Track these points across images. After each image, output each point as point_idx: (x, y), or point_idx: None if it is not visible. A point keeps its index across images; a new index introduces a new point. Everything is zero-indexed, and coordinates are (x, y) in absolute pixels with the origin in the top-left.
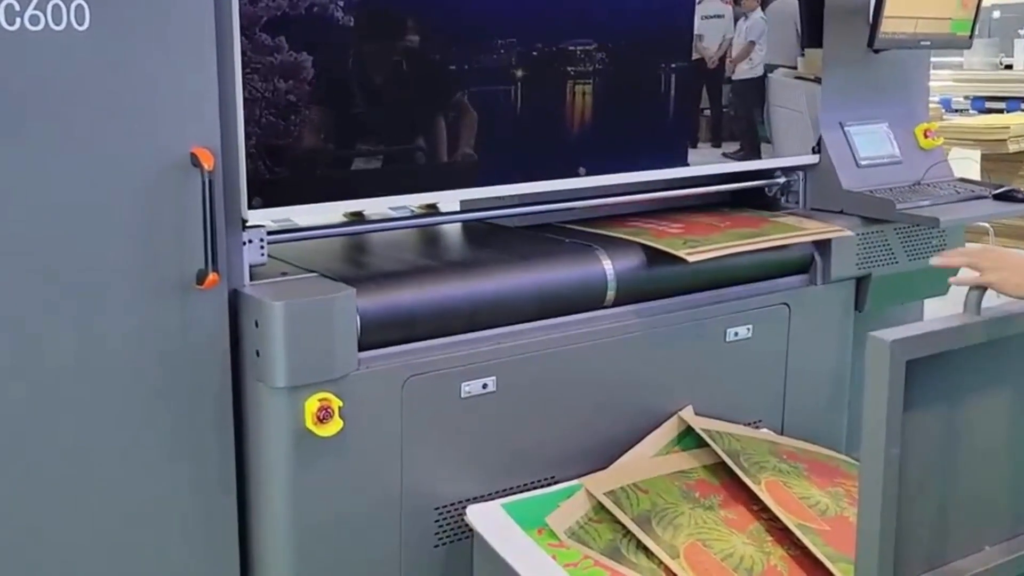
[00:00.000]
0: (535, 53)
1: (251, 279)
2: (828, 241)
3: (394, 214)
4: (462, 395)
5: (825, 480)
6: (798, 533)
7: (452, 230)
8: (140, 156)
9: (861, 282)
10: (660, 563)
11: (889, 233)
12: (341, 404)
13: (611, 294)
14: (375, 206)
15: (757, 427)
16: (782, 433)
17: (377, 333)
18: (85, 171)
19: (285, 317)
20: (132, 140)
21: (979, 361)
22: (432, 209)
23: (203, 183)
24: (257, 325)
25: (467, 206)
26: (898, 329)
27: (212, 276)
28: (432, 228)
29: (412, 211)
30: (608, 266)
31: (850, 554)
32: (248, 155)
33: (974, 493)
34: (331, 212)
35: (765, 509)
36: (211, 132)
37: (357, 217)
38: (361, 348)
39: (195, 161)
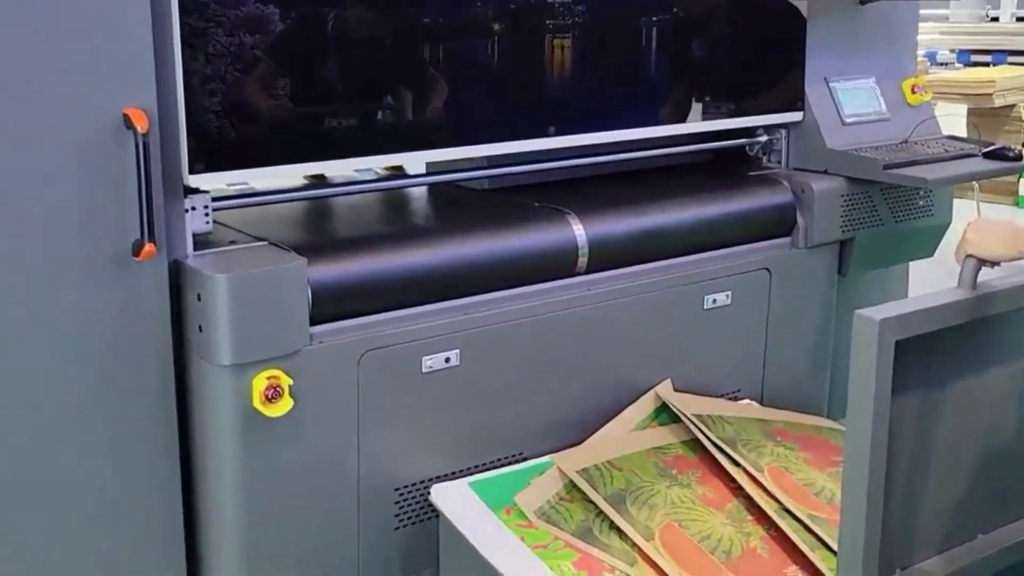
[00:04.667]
0: (507, 5)
1: (196, 249)
2: (811, 202)
3: (358, 177)
4: (423, 370)
5: (823, 460)
6: (811, 525)
7: (418, 194)
8: (69, 119)
9: (845, 245)
10: (634, 545)
11: (875, 193)
12: (291, 382)
13: (583, 260)
14: (333, 169)
15: (736, 398)
16: (762, 402)
17: (330, 305)
18: (7, 136)
19: (229, 290)
20: (60, 102)
21: (974, 339)
22: (398, 171)
23: (137, 146)
24: (199, 299)
25: (434, 168)
26: (887, 307)
27: (148, 247)
28: (397, 192)
29: (377, 174)
30: (579, 231)
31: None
32: (189, 116)
33: (967, 479)
34: (290, 176)
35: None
36: (146, 91)
37: (319, 180)
38: (313, 322)
39: (128, 123)
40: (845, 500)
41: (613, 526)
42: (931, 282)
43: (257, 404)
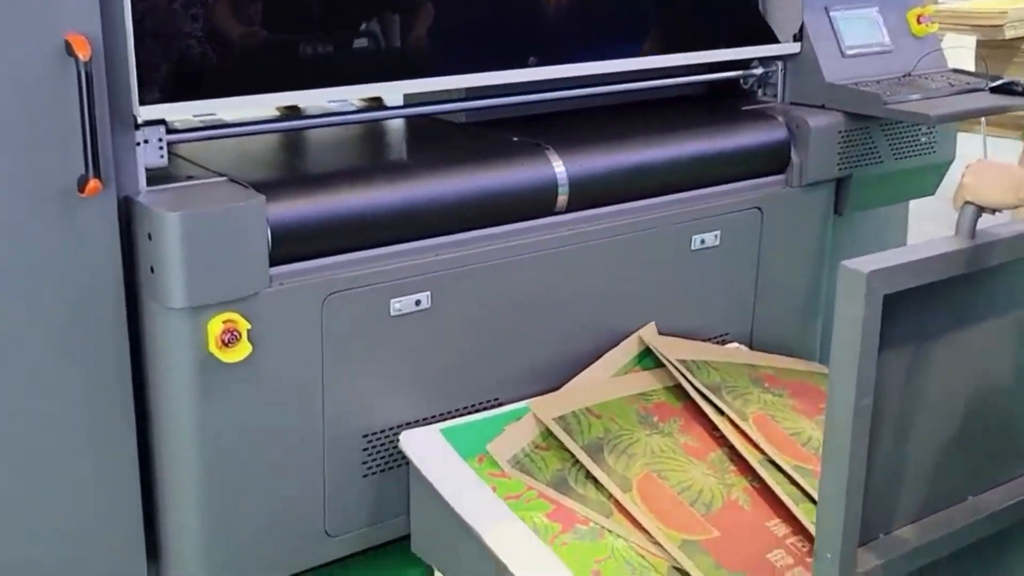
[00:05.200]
0: None
1: (149, 185)
2: (806, 138)
3: (333, 108)
4: (392, 313)
5: (812, 407)
6: (796, 476)
7: (394, 128)
8: (5, 47)
9: (842, 183)
10: (610, 496)
11: (875, 130)
12: (250, 326)
13: (563, 198)
14: (304, 100)
15: (724, 342)
16: (751, 347)
17: (292, 245)
18: None
19: (180, 229)
20: None
21: (969, 290)
22: (375, 103)
23: (79, 75)
24: (150, 238)
25: (411, 101)
26: (875, 258)
27: (93, 182)
28: (372, 126)
29: (354, 106)
30: (559, 167)
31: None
32: (139, 42)
33: (954, 439)
34: (263, 107)
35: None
36: (89, 16)
37: (292, 111)
38: (273, 262)
39: (69, 50)
40: (825, 465)
41: (590, 476)
42: (933, 220)
43: (213, 349)
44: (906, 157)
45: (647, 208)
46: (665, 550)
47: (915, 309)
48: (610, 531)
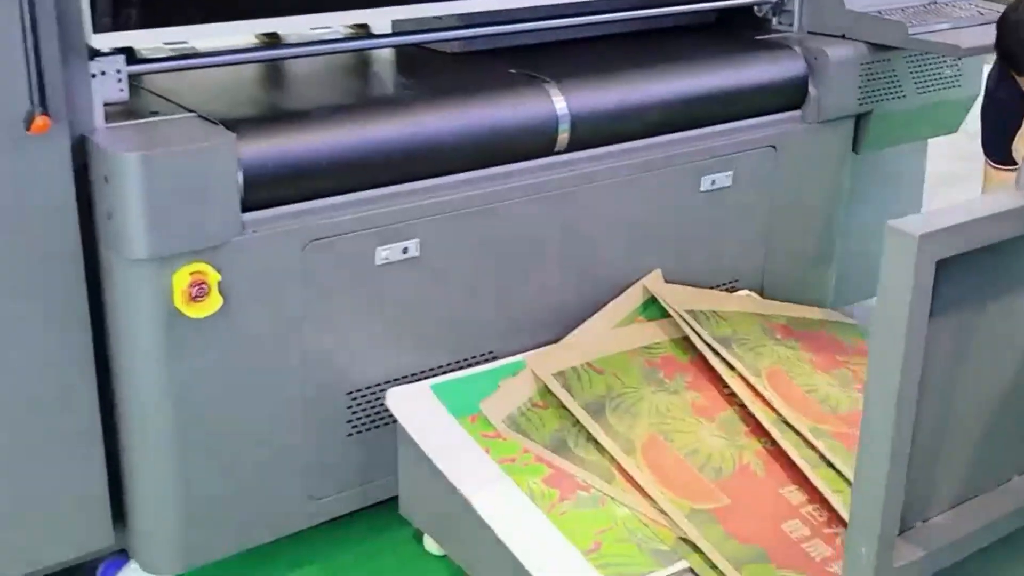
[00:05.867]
0: None
1: (108, 121)
2: (825, 71)
3: (316, 36)
4: (378, 262)
5: (828, 360)
6: (812, 438)
7: (382, 59)
8: None
9: (860, 119)
10: (612, 459)
11: (897, 62)
12: (220, 278)
13: (563, 137)
14: (283, 27)
15: (734, 288)
16: (762, 293)
17: (267, 189)
18: None
19: (141, 171)
20: None
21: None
22: (361, 31)
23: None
24: (107, 181)
25: (401, 28)
26: (924, 218)
27: (40, 119)
28: (359, 57)
29: (339, 34)
30: (560, 103)
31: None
32: None
33: (1000, 414)
34: (234, 34)
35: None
36: None
37: (270, 40)
38: (246, 208)
39: None
40: (864, 447)
41: (591, 437)
42: (950, 160)
43: (179, 304)
44: (929, 91)
45: (654, 147)
46: (672, 519)
47: (966, 273)
48: (612, 498)
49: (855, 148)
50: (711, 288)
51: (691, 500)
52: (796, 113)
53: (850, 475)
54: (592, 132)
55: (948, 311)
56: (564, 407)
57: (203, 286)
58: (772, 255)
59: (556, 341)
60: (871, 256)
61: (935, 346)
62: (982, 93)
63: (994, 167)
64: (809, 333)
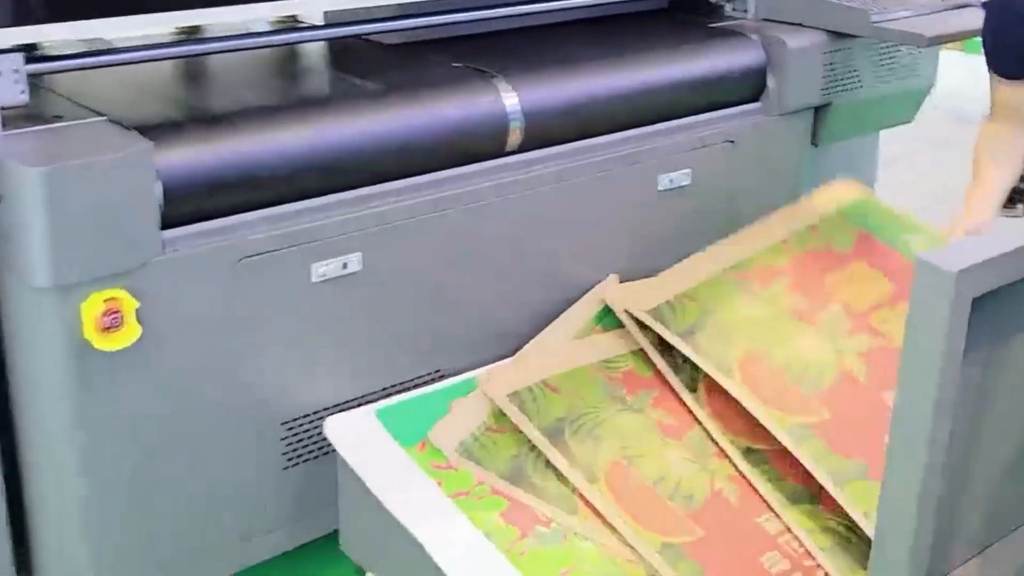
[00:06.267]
0: None
1: (5, 128)
2: (784, 61)
3: (241, 29)
4: (314, 279)
5: (815, 297)
6: (791, 445)
7: (314, 53)
8: None
9: (820, 111)
10: (574, 489)
11: (857, 51)
12: (138, 304)
13: (515, 136)
14: (205, 19)
15: None
16: None
17: (190, 202)
18: None
19: (44, 188)
20: None
21: None
22: (291, 22)
23: None
24: (2, 199)
25: (334, 19)
26: (958, 251)
27: None
28: (288, 50)
29: (266, 26)
30: (511, 98)
31: (856, 455)
32: None
33: (1020, 453)
34: (151, 27)
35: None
36: None
37: (191, 33)
38: (166, 224)
39: None
40: (888, 496)
41: (550, 464)
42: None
43: (90, 335)
44: (887, 81)
45: (610, 145)
46: (641, 556)
47: (997, 307)
48: (576, 532)
49: (814, 140)
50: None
51: (662, 533)
52: (755, 106)
53: (830, 484)
54: (545, 130)
55: (978, 348)
56: (521, 431)
57: (117, 315)
58: None
59: (511, 355)
60: None
61: (964, 385)
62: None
63: (1006, 82)
64: (793, 261)
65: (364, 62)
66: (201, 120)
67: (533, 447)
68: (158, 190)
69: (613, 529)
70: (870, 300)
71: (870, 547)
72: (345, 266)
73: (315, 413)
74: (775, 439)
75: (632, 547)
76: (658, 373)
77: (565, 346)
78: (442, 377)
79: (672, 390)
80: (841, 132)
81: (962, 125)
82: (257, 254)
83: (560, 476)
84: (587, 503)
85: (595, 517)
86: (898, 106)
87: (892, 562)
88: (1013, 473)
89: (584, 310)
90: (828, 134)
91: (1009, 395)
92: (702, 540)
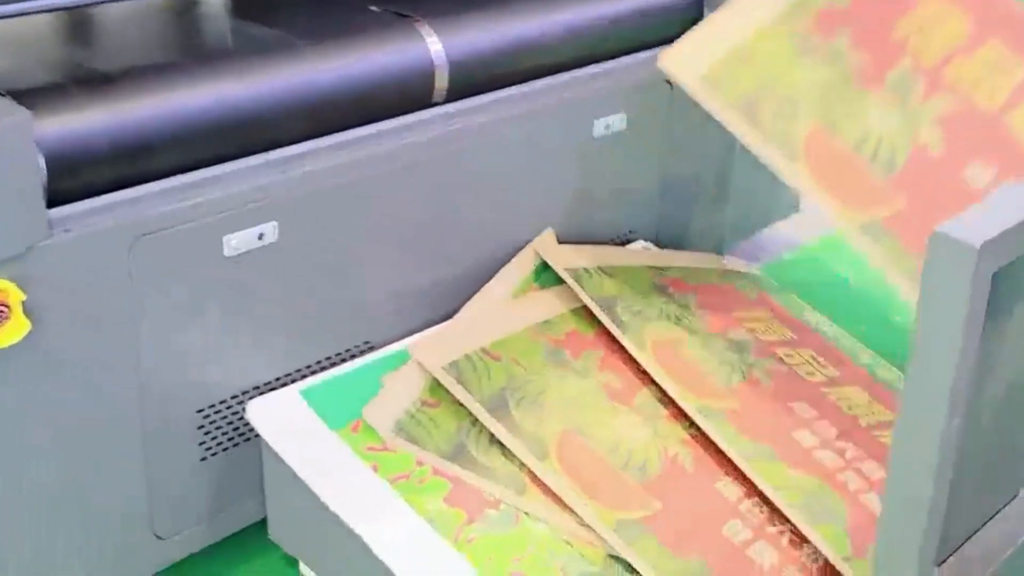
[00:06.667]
0: None
1: None
2: None
3: None
4: (227, 253)
5: (724, 318)
6: (700, 420)
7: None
8: None
9: None
10: (522, 465)
11: None
12: (24, 296)
13: (441, 85)
14: None
15: (629, 241)
16: (657, 242)
17: (79, 176)
18: None
19: None
20: None
21: None
22: None
23: None
24: None
25: None
26: (976, 220)
27: None
28: None
29: None
30: (435, 44)
31: (764, 441)
32: None
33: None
34: None
35: None
36: None
37: None
38: (54, 202)
39: None
40: (897, 476)
41: (495, 439)
42: None
43: None
44: None
45: (543, 91)
46: (598, 534)
47: (1016, 279)
48: (527, 514)
49: None
50: (605, 244)
51: (618, 509)
52: None
53: (737, 456)
54: (474, 77)
55: (995, 321)
56: (461, 404)
57: (2, 309)
58: (668, 201)
59: (445, 321)
60: (761, 185)
61: (980, 363)
62: None
63: None
64: (705, 287)
65: (270, 8)
66: (87, 82)
67: (475, 421)
68: (40, 164)
69: (566, 507)
70: (773, 337)
71: (827, 507)
72: (260, 237)
73: (234, 398)
74: (728, 398)
75: (587, 525)
76: (601, 332)
77: (502, 308)
78: (372, 349)
79: (616, 350)
80: None
81: None
82: (160, 230)
83: (506, 452)
84: (537, 480)
85: (546, 495)
86: None
87: (904, 540)
88: (1006, 448)
89: (519, 268)
90: None
91: (1006, 369)
92: (660, 513)
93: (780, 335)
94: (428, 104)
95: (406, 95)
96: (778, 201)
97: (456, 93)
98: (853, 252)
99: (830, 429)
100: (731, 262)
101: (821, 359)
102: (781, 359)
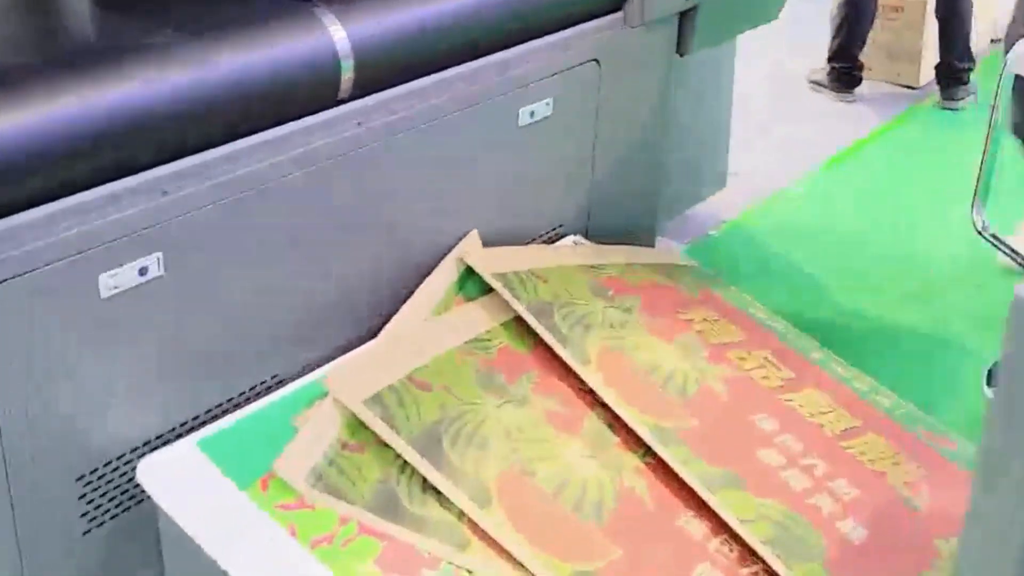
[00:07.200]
0: None
1: None
2: None
3: None
4: (104, 294)
5: (669, 321)
6: (657, 448)
7: None
8: None
9: (684, 16)
10: (462, 514)
11: None
12: None
13: (347, 78)
14: None
15: (558, 236)
16: (587, 236)
17: None
18: None
19: None
20: None
21: None
22: None
23: None
24: None
25: None
26: None
27: None
28: None
29: None
30: (338, 33)
31: (728, 464)
32: None
33: None
34: None
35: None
36: None
37: None
38: None
39: None
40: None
41: (429, 485)
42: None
43: None
44: None
45: (460, 79)
46: None
47: None
48: (470, 572)
49: (680, 49)
50: (535, 242)
51: (574, 560)
52: (617, 16)
53: (700, 488)
54: (383, 69)
55: None
56: (386, 445)
57: None
58: (597, 188)
59: (364, 344)
60: (688, 163)
61: None
62: None
63: None
64: (647, 287)
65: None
66: None
67: (405, 465)
68: None
69: (515, 562)
70: (724, 339)
71: (802, 539)
72: (143, 272)
73: (120, 458)
74: (684, 416)
75: None
76: (538, 345)
77: (426, 327)
78: (282, 384)
79: (556, 367)
80: (708, 38)
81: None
82: (23, 273)
83: (443, 500)
84: (480, 532)
85: (492, 549)
86: (762, 6)
87: None
88: None
89: (441, 278)
90: (696, 40)
91: None
92: (621, 561)
93: (730, 336)
94: (333, 102)
95: (308, 93)
96: (703, 179)
97: (364, 87)
98: (776, 224)
99: (796, 444)
100: (663, 246)
101: (774, 360)
102: (735, 363)
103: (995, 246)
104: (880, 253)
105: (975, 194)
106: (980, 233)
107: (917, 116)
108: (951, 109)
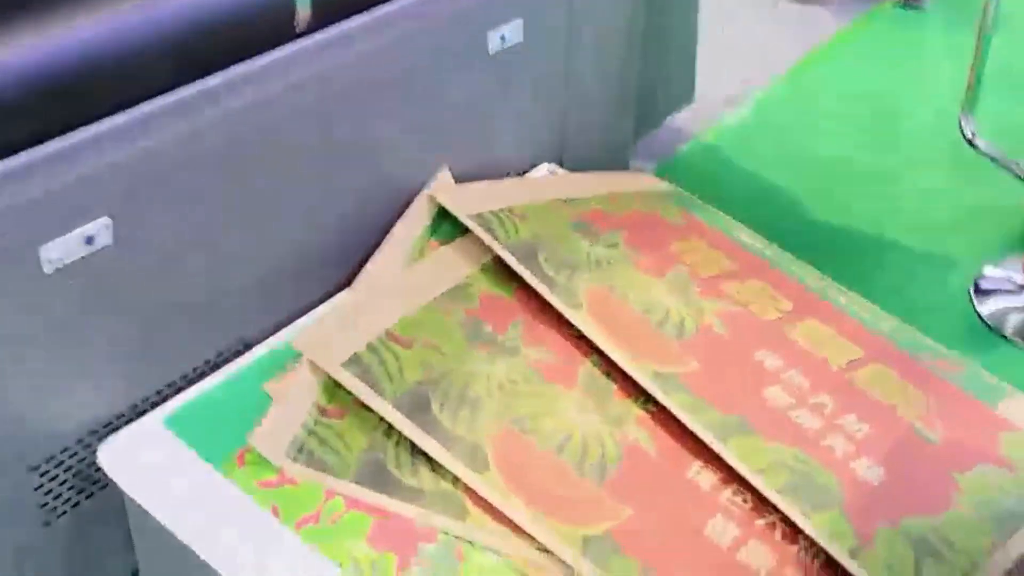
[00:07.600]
0: None
1: None
2: None
3: None
4: (47, 268)
5: (658, 256)
6: (659, 395)
7: None
8: None
9: None
10: (456, 480)
11: None
12: None
13: (303, 12)
14: None
15: (534, 169)
16: (561, 164)
17: None
18: None
19: None
20: None
21: None
22: None
23: None
24: None
25: None
26: None
27: None
28: None
29: None
30: None
31: (734, 408)
32: None
33: None
34: None
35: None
36: None
37: None
38: None
39: None
40: None
41: (418, 452)
42: None
43: None
44: None
45: (422, 5)
46: (561, 558)
47: None
48: (471, 542)
49: None
50: (508, 175)
51: (581, 523)
52: None
53: (707, 435)
54: None
55: None
56: (370, 408)
57: None
58: (571, 118)
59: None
60: (657, 78)
61: None
62: None
63: None
64: (631, 218)
65: None
66: None
67: (391, 430)
68: None
69: (519, 529)
70: (714, 271)
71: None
72: (90, 240)
73: (79, 442)
74: (685, 359)
75: (547, 550)
76: (522, 289)
77: (402, 277)
78: (250, 348)
79: (542, 311)
80: None
81: None
82: None
83: (436, 467)
84: (478, 500)
85: (493, 517)
86: None
87: None
88: None
89: (414, 221)
90: None
91: None
92: (630, 521)
93: (720, 267)
94: (291, 35)
95: (263, 28)
96: (672, 94)
97: (323, 18)
98: (746, 142)
99: (803, 380)
100: (649, 182)
101: (771, 290)
102: (730, 296)
103: (984, 155)
104: (857, 161)
105: (965, 101)
106: (969, 142)
107: (880, 17)
108: (914, 7)
